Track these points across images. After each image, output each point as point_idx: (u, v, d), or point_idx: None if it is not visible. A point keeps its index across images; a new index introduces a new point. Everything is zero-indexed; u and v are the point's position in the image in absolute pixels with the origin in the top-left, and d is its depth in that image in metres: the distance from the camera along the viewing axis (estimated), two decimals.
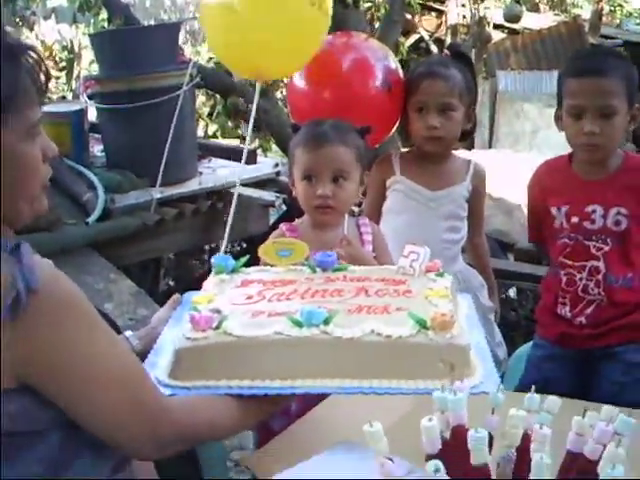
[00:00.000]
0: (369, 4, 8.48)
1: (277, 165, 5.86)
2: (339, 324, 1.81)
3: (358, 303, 1.95)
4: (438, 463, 1.35)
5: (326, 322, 1.81)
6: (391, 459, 1.42)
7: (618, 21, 21.31)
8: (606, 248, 2.91)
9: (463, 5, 15.49)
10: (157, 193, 4.95)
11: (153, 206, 4.97)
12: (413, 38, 15.10)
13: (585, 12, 20.14)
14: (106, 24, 6.65)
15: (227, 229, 3.69)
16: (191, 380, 1.78)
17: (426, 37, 15.38)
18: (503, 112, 16.75)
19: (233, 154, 5.80)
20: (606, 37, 17.92)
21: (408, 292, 2.03)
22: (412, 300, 1.97)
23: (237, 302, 1.99)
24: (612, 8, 21.52)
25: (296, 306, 1.91)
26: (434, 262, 2.19)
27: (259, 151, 7.22)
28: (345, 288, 2.06)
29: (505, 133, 16.47)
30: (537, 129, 15.54)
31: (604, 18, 19.36)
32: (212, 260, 2.29)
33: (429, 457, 1.40)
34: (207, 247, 6.07)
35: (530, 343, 3.16)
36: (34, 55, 1.59)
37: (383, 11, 8.37)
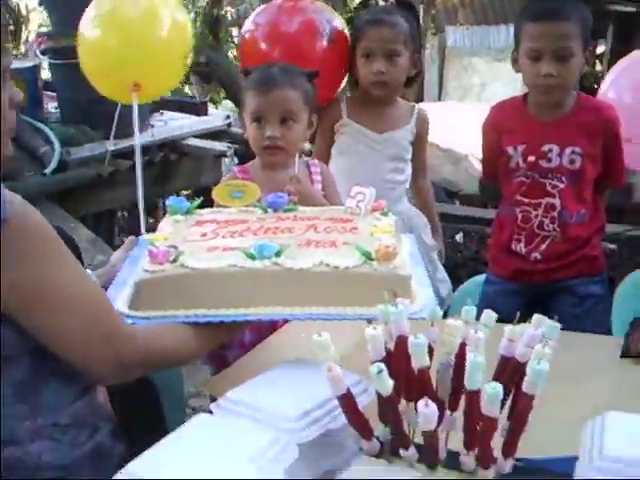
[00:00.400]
0: None
1: (228, 117, 5.89)
2: (290, 256, 1.90)
3: (307, 238, 2.05)
4: (381, 365, 1.46)
5: (277, 255, 1.89)
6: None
7: None
8: (561, 186, 3.01)
9: None
10: (111, 145, 4.97)
11: (107, 158, 5.00)
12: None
13: None
14: None
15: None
16: (150, 310, 1.86)
17: None
18: (452, 67, 16.80)
19: (185, 107, 5.84)
20: None
21: (354, 229, 2.12)
22: (358, 236, 2.06)
23: (192, 239, 2.07)
24: None
25: (249, 242, 1.99)
26: (379, 202, 2.28)
27: (210, 104, 7.21)
28: (295, 226, 2.15)
29: (454, 87, 16.51)
30: (485, 83, 15.61)
31: None
32: (167, 202, 2.36)
33: (373, 363, 1.50)
34: (161, 203, 6.10)
35: (475, 278, 3.28)
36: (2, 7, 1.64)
37: None
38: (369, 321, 1.63)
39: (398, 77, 3.28)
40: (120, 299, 1.92)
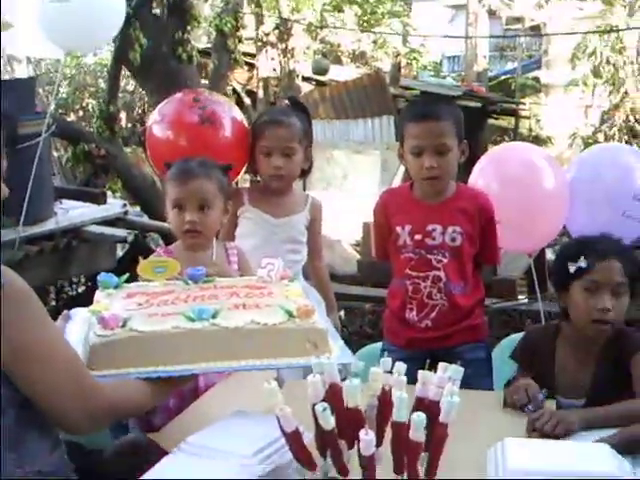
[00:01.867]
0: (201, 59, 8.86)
1: (125, 205, 6.07)
2: (224, 317, 2.16)
3: (233, 302, 2.29)
4: (324, 404, 1.73)
5: (214, 316, 2.15)
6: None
7: (415, 73, 22.25)
8: (445, 260, 3.25)
9: (273, 59, 15.86)
10: (21, 232, 5.07)
11: (16, 244, 5.10)
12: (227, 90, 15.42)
13: (385, 65, 20.87)
14: None
15: None
16: (106, 369, 2.06)
17: (239, 89, 15.70)
18: (314, 158, 17.25)
19: (83, 196, 6.01)
20: (405, 88, 18.61)
21: (270, 293, 2.39)
22: (276, 299, 2.33)
23: (130, 308, 2.27)
24: (409, 61, 22.41)
25: (184, 308, 2.22)
26: (285, 271, 2.57)
27: (108, 192, 7.38)
28: (219, 294, 2.38)
29: (317, 178, 16.85)
30: (347, 174, 16.01)
31: (402, 70, 20.17)
32: (98, 278, 2.52)
33: (314, 405, 1.76)
34: (59, 284, 6.19)
35: (370, 346, 3.52)
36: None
37: (212, 66, 8.81)
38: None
39: (294, 170, 3.58)
40: None
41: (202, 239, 3.02)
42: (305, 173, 3.72)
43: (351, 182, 13.70)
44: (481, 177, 3.94)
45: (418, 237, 3.29)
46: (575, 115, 15.50)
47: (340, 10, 21.69)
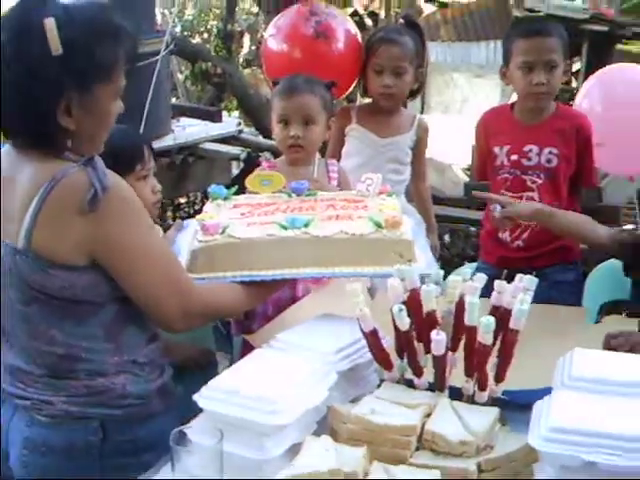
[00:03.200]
0: None
1: (240, 124, 6.21)
2: (316, 227, 2.27)
3: (328, 214, 2.41)
4: (401, 305, 1.84)
5: (306, 225, 2.26)
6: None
7: None
8: (539, 181, 3.31)
9: None
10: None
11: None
12: (348, 11, 15.35)
13: None
14: None
15: None
16: (205, 273, 2.21)
17: (360, 10, 15.60)
18: (434, 81, 17.05)
19: (201, 114, 6.16)
20: (530, 10, 18.13)
21: (365, 207, 2.48)
22: (369, 211, 2.42)
23: (233, 217, 2.42)
24: None
25: (280, 217, 2.35)
26: (384, 186, 2.64)
27: (224, 112, 7.55)
28: (317, 206, 2.50)
29: (436, 102, 16.67)
30: (466, 98, 15.78)
31: None
32: (208, 190, 2.70)
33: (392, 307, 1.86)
34: (178, 201, 6.40)
35: (468, 264, 3.61)
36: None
37: None
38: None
39: (403, 90, 3.62)
40: None
41: (304, 154, 3.13)
42: (414, 94, 3.76)
43: (471, 106, 13.48)
44: (586, 98, 3.95)
45: (515, 157, 3.35)
46: None
47: None
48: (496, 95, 13.45)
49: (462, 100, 15.86)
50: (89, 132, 1.98)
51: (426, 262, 2.27)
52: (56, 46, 1.85)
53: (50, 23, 1.85)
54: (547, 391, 1.76)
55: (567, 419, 1.57)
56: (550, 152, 3.32)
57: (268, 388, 1.75)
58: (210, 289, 2.17)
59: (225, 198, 2.63)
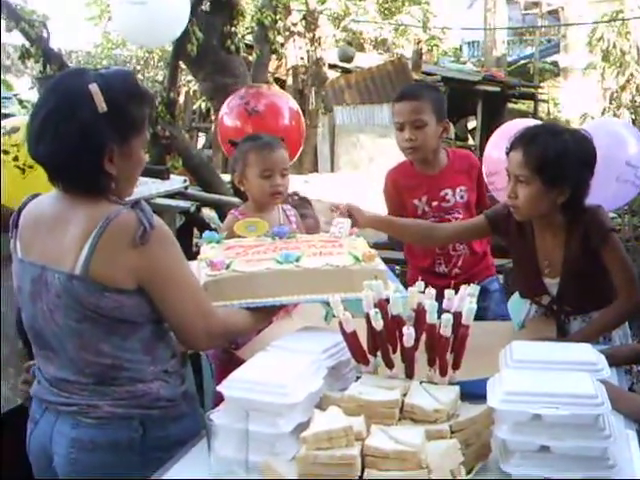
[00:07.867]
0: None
1: (185, 180, 6.56)
2: (305, 261, 2.67)
3: (312, 251, 2.80)
4: (377, 309, 2.25)
5: (297, 260, 2.66)
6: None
7: (436, 59, 22.54)
8: (460, 216, 3.79)
9: (300, 48, 16.36)
10: None
11: None
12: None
13: (407, 51, 21.18)
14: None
15: None
16: (214, 301, 2.54)
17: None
18: (342, 143, 17.58)
19: (150, 173, 6.49)
20: (427, 74, 18.88)
21: (341, 245, 2.89)
22: (345, 248, 2.84)
23: (230, 256, 2.78)
24: (430, 47, 22.69)
25: (273, 255, 2.74)
26: (352, 229, 3.06)
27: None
28: (300, 246, 2.87)
29: (344, 161, 17.17)
30: (372, 157, 16.26)
31: (424, 56, 20.48)
32: (204, 235, 3.05)
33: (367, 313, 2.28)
34: None
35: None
36: (150, 96, 2.44)
37: (254, 56, 9.38)
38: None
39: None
40: None
41: (282, 200, 3.55)
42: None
43: (377, 164, 13.98)
44: (494, 149, 4.45)
45: (435, 203, 3.82)
46: (593, 98, 15.87)
47: None
48: (401, 152, 14.07)
49: (369, 159, 16.31)
50: (127, 175, 2.36)
51: (395, 286, 2.73)
52: (102, 106, 2.24)
53: (94, 87, 2.24)
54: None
55: (517, 385, 2.06)
56: (461, 189, 3.83)
57: (277, 377, 2.14)
58: (226, 313, 2.51)
59: (217, 242, 2.98)
